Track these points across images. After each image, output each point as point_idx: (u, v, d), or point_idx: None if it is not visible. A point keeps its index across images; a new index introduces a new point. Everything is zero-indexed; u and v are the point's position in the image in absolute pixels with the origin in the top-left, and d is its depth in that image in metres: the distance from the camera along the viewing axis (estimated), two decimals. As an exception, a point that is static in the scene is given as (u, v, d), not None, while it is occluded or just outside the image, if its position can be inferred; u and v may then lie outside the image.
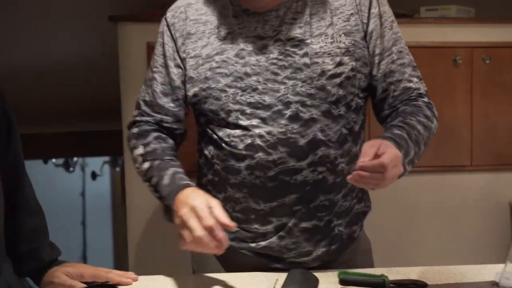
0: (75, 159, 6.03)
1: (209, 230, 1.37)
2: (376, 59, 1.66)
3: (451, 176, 3.01)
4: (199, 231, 1.37)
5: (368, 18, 1.65)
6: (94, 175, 6.28)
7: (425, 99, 1.69)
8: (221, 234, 1.37)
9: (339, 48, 1.61)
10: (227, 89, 1.62)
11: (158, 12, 2.80)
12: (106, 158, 6.00)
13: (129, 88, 2.73)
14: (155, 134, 1.69)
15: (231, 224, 1.38)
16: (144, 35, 2.72)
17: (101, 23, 2.98)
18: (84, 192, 6.67)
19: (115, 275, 1.52)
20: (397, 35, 1.70)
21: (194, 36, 1.68)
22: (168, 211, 1.53)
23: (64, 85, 4.34)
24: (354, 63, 1.62)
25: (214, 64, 1.63)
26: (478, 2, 3.24)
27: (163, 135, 1.71)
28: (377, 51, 1.66)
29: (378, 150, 1.42)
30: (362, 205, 1.75)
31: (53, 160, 5.96)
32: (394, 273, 1.55)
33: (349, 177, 1.40)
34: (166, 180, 1.58)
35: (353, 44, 1.62)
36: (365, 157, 1.40)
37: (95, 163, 6.30)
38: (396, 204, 2.97)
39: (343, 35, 1.62)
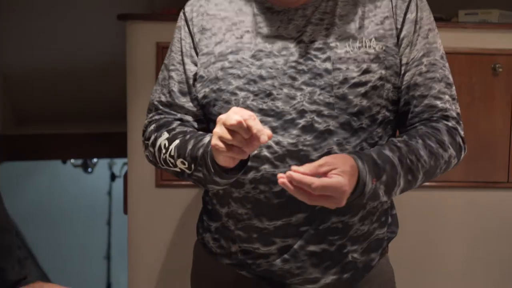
0: (94, 160, 5.97)
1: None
2: (403, 69, 1.48)
3: (485, 193, 2.77)
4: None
5: (403, 23, 1.48)
6: (113, 177, 6.22)
7: (450, 123, 1.49)
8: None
9: (367, 53, 1.44)
10: (238, 92, 1.46)
11: (172, 11, 2.67)
12: (126, 160, 5.88)
13: (136, 89, 2.60)
14: (178, 122, 1.54)
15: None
16: (154, 35, 2.57)
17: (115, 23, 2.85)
18: (110, 192, 6.66)
19: None
20: (432, 46, 1.51)
21: (208, 32, 1.54)
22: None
23: (82, 86, 4.29)
24: (383, 72, 1.44)
25: (227, 64, 1.49)
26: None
27: (188, 125, 1.55)
28: (404, 60, 1.48)
29: (325, 169, 1.29)
30: (385, 230, 1.55)
31: (72, 160, 5.91)
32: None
33: (279, 179, 1.26)
34: (206, 140, 1.42)
35: (384, 50, 1.45)
36: (306, 170, 1.27)
37: (115, 165, 6.25)
38: (422, 223, 2.74)
39: (374, 39, 1.46)
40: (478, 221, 2.79)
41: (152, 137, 1.56)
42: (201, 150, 1.41)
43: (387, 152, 1.41)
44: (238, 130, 1.26)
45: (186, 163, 1.45)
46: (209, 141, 1.40)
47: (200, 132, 1.50)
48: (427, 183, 1.58)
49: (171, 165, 1.49)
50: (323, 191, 1.27)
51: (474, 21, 2.81)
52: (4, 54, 4.12)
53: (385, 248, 1.60)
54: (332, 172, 1.29)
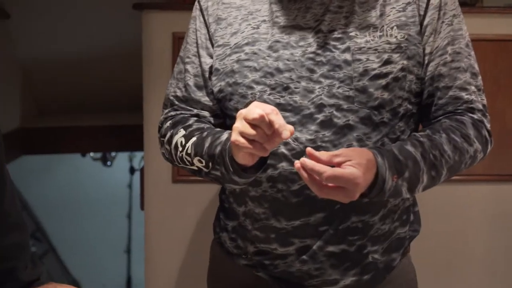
0: (113, 153, 5.96)
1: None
2: (426, 59, 1.40)
3: (510, 186, 2.68)
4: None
5: (426, 9, 1.39)
6: (132, 170, 6.21)
7: (476, 115, 1.42)
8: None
9: (388, 43, 1.36)
10: (254, 86, 1.39)
11: (188, 0, 2.61)
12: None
13: (153, 81, 2.54)
14: (195, 118, 1.48)
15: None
16: (171, 25, 2.51)
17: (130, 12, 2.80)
18: (131, 185, 6.66)
19: None
20: (457, 33, 1.42)
21: (224, 22, 1.47)
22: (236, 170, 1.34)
23: (101, 78, 4.27)
24: (405, 62, 1.37)
25: (243, 56, 1.42)
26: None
27: (204, 121, 1.49)
28: (428, 49, 1.40)
29: (340, 159, 1.23)
30: (407, 229, 1.48)
31: (91, 154, 5.91)
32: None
33: (295, 164, 1.24)
34: (224, 137, 1.36)
35: (407, 39, 1.37)
36: (322, 155, 1.24)
37: (135, 158, 6.25)
38: (444, 219, 2.66)
39: (395, 27, 1.37)
40: (503, 216, 2.70)
41: (168, 134, 1.50)
42: (218, 148, 1.35)
43: (409, 147, 1.34)
44: (260, 125, 1.20)
45: (204, 161, 1.39)
46: (227, 138, 1.34)
47: (218, 129, 1.44)
48: (449, 177, 1.52)
49: (188, 163, 1.44)
50: (334, 181, 1.21)
51: (500, 5, 2.71)
52: (23, 48, 4.11)
53: (407, 247, 1.54)
54: (347, 163, 1.24)
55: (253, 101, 1.38)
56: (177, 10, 2.54)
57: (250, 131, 1.21)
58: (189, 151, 1.42)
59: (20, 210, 1.32)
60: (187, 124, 1.48)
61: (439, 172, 1.37)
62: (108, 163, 6.02)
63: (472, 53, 1.48)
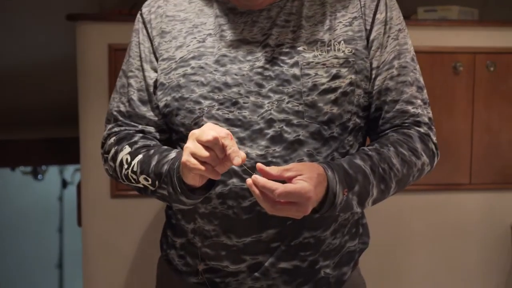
0: (43, 167, 5.81)
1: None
2: (373, 73, 1.41)
3: (447, 195, 2.74)
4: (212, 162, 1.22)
5: (372, 24, 1.41)
6: (64, 183, 6.06)
7: (422, 129, 1.43)
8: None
9: (336, 58, 1.36)
10: (202, 101, 1.37)
11: (123, 11, 2.57)
12: (78, 166, 5.78)
13: (88, 93, 2.47)
14: (140, 134, 1.44)
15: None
16: (106, 37, 2.46)
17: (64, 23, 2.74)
18: (61, 198, 6.51)
19: None
20: (402, 47, 1.44)
21: (168, 35, 1.44)
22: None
23: (32, 90, 4.16)
24: (353, 76, 1.37)
25: (189, 70, 1.39)
26: (482, 2, 2.98)
27: (150, 137, 1.46)
28: (375, 63, 1.41)
29: (290, 174, 1.23)
30: (357, 242, 1.49)
31: (21, 168, 5.74)
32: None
33: (247, 181, 1.22)
34: (172, 155, 1.34)
35: (354, 53, 1.38)
36: (272, 170, 1.23)
37: (67, 171, 6.10)
38: (386, 229, 2.70)
39: (343, 42, 1.38)
40: (441, 223, 2.75)
41: (112, 151, 1.46)
42: (166, 167, 1.33)
43: (359, 161, 1.34)
44: (213, 147, 1.19)
45: (150, 179, 1.36)
46: (175, 158, 1.32)
47: (165, 147, 1.41)
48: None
49: (133, 181, 1.40)
50: (287, 198, 1.20)
51: (434, 18, 2.77)
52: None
53: (357, 260, 1.54)
54: (297, 178, 1.23)
55: (202, 116, 1.36)
56: (112, 22, 2.49)
57: (203, 152, 1.20)
58: (135, 169, 1.39)
59: None
60: (132, 140, 1.44)
61: (388, 185, 1.37)
62: (39, 176, 5.86)
63: (417, 67, 1.49)
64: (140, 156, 1.38)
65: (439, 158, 1.51)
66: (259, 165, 1.22)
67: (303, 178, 1.23)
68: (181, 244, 1.50)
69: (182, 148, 1.41)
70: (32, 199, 6.28)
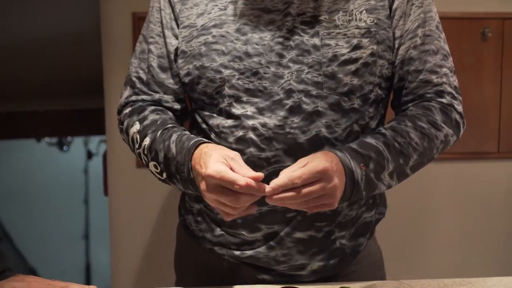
0: (69, 138, 5.86)
1: (245, 189, 1.19)
2: (396, 42, 1.39)
3: (475, 164, 2.72)
4: (236, 203, 1.21)
5: None
6: (90, 154, 6.12)
7: (445, 99, 1.40)
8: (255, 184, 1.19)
9: (358, 28, 1.34)
10: (223, 70, 1.36)
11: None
12: (103, 137, 5.82)
13: (113, 63, 2.49)
14: (152, 107, 1.44)
15: (259, 174, 1.20)
16: (130, 5, 2.46)
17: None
18: (87, 170, 6.57)
19: None
20: (427, 15, 1.41)
21: (190, 2, 1.42)
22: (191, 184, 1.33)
23: (57, 61, 4.16)
24: (375, 47, 1.35)
25: (210, 39, 1.38)
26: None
27: (162, 108, 1.45)
28: (398, 33, 1.39)
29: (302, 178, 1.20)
30: (373, 212, 1.48)
31: (46, 139, 5.80)
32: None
33: (268, 201, 1.22)
34: (173, 149, 1.33)
35: (376, 23, 1.35)
36: (283, 181, 1.20)
37: (92, 142, 6.16)
38: (409, 198, 2.68)
39: (364, 12, 1.36)
40: (467, 194, 2.74)
41: (125, 123, 1.46)
42: (184, 169, 1.33)
43: (369, 140, 1.33)
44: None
45: (159, 169, 1.37)
46: (187, 157, 1.32)
47: (169, 133, 1.39)
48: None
49: (144, 161, 1.42)
50: (309, 179, 1.19)
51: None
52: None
53: (373, 230, 1.52)
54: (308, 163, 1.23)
55: (223, 85, 1.35)
56: (137, -11, 2.49)
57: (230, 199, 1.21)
58: (145, 152, 1.39)
59: None
60: (142, 115, 1.43)
61: (407, 158, 1.35)
62: (65, 148, 5.92)
63: (442, 35, 1.46)
64: (147, 140, 1.39)
65: (465, 127, 1.49)
66: (268, 189, 1.20)
67: (311, 160, 1.23)
68: (198, 210, 1.50)
69: (200, 116, 1.43)
70: (58, 171, 6.35)
